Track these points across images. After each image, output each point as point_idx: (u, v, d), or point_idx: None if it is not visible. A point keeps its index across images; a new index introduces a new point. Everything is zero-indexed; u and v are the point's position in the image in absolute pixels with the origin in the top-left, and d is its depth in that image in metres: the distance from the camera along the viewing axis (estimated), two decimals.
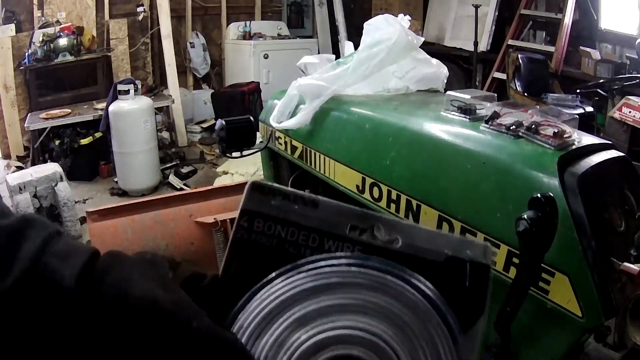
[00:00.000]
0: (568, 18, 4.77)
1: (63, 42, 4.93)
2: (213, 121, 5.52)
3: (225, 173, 4.21)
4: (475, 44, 4.97)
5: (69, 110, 4.78)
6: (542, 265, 0.91)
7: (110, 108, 4.26)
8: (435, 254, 0.39)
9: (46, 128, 4.60)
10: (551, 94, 4.24)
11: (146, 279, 0.38)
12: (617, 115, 3.03)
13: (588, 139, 1.08)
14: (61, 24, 5.08)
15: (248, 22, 6.23)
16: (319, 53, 5.65)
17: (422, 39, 1.60)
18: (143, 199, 3.03)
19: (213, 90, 6.05)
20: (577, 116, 1.21)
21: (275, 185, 0.40)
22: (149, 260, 0.42)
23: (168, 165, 4.79)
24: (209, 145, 5.43)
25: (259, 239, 0.40)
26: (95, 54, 5.29)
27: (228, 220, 2.62)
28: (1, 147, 5.07)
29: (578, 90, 3.80)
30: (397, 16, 1.57)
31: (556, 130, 1.03)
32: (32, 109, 4.86)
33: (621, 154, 1.10)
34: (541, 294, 0.96)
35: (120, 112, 4.24)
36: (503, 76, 5.04)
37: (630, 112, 2.96)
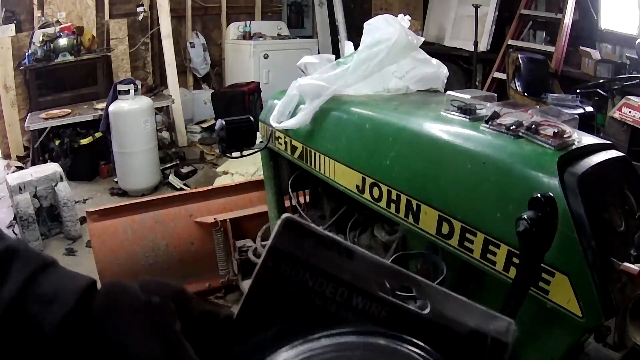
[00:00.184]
0: (568, 18, 4.77)
1: (63, 42, 4.94)
2: (213, 121, 5.53)
3: (225, 173, 4.21)
4: (475, 44, 4.97)
5: (69, 110, 4.78)
6: (542, 265, 0.91)
7: (110, 108, 4.26)
8: (460, 326, 0.37)
9: (46, 128, 4.61)
10: (551, 94, 4.25)
11: (147, 333, 0.34)
12: (617, 115, 3.03)
13: (588, 139, 1.08)
14: (61, 24, 5.09)
15: (248, 22, 6.23)
16: (319, 53, 5.65)
17: (422, 39, 1.60)
18: (143, 199, 3.03)
19: (213, 90, 6.06)
20: (577, 116, 1.21)
21: (312, 225, 0.36)
22: (154, 307, 0.36)
23: (168, 165, 4.79)
24: (209, 145, 5.43)
25: (284, 284, 0.36)
26: (95, 54, 5.29)
27: (228, 220, 2.63)
28: (1, 147, 5.07)
29: (578, 90, 3.80)
30: (397, 16, 1.57)
31: (556, 130, 1.03)
32: (32, 109, 4.87)
33: (621, 154, 1.10)
34: (541, 294, 0.96)
35: (120, 112, 4.24)
36: (503, 76, 5.04)
37: (630, 112, 2.96)
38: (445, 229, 1.15)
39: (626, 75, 3.72)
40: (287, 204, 1.99)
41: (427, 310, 0.36)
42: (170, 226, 2.66)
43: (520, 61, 4.56)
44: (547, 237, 0.85)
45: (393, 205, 1.29)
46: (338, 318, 0.36)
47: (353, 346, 0.34)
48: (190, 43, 6.11)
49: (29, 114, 4.79)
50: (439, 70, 1.63)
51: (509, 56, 4.75)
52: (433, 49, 5.27)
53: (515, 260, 0.99)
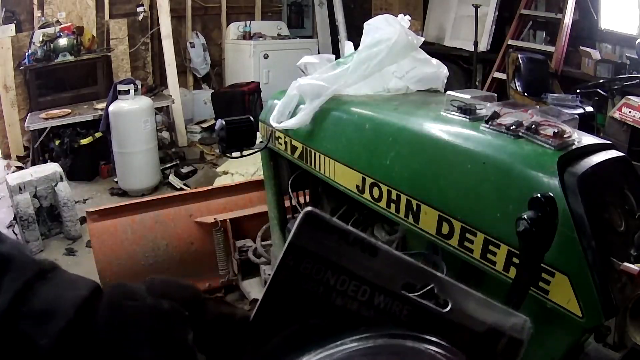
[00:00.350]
0: (568, 18, 4.77)
1: (63, 42, 4.94)
2: (213, 121, 5.53)
3: (225, 173, 4.21)
4: (475, 44, 4.97)
5: (69, 110, 4.79)
6: (542, 265, 0.91)
7: (110, 108, 4.26)
8: (478, 324, 0.37)
9: (46, 128, 4.61)
10: (551, 94, 4.25)
11: (155, 347, 0.30)
12: (617, 115, 3.03)
13: (588, 139, 1.08)
14: (61, 24, 5.09)
15: (248, 22, 6.23)
16: (319, 53, 5.65)
17: (422, 39, 1.59)
18: (143, 199, 3.03)
19: (213, 90, 6.06)
20: (577, 116, 1.20)
21: (335, 220, 0.34)
22: (164, 315, 0.33)
23: (168, 165, 4.79)
24: (209, 145, 5.43)
25: (304, 283, 0.34)
26: (95, 54, 5.30)
27: (228, 220, 2.63)
28: (1, 147, 5.07)
29: (578, 90, 3.80)
30: (397, 16, 1.57)
31: (556, 130, 1.03)
32: (32, 109, 4.87)
33: (621, 154, 1.10)
34: (541, 294, 0.96)
35: (120, 112, 4.24)
36: (503, 76, 5.04)
37: (630, 112, 2.96)
38: (445, 229, 1.15)
39: (626, 75, 3.72)
40: (287, 204, 1.99)
41: (448, 308, 0.36)
42: (170, 226, 2.66)
43: (520, 61, 4.56)
44: (547, 237, 0.85)
45: (393, 205, 1.29)
46: (359, 318, 0.35)
47: (378, 350, 0.33)
48: (190, 43, 6.11)
49: (29, 114, 4.79)
50: (439, 70, 1.63)
51: (509, 56, 4.75)
52: (433, 49, 5.27)
53: (515, 260, 0.99)
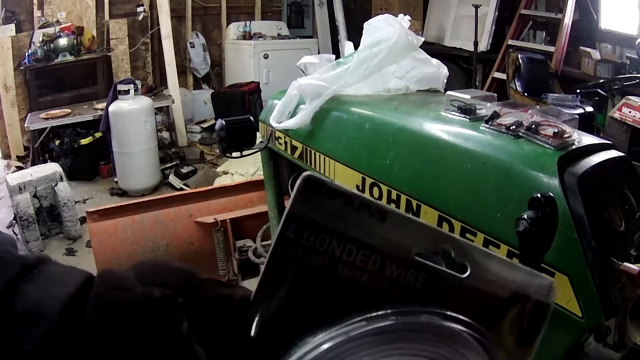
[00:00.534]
0: (568, 18, 4.77)
1: (63, 42, 4.94)
2: (213, 121, 5.53)
3: (225, 173, 4.21)
4: (475, 44, 4.97)
5: (69, 110, 4.79)
6: (542, 265, 0.91)
7: (110, 108, 4.26)
8: (501, 289, 0.34)
9: (46, 128, 4.61)
10: (551, 94, 4.25)
11: (147, 340, 0.29)
12: (617, 115, 3.03)
13: (588, 139, 1.08)
14: (61, 24, 5.09)
15: (248, 22, 6.23)
16: (319, 53, 5.65)
17: (422, 39, 1.59)
18: (143, 199, 3.03)
19: (213, 90, 6.06)
20: (577, 116, 1.20)
21: (336, 183, 0.31)
22: (155, 304, 0.30)
23: (168, 165, 4.79)
24: (209, 145, 5.43)
25: (307, 256, 0.31)
26: (95, 54, 5.30)
27: (228, 220, 2.62)
28: (1, 147, 5.07)
29: (578, 90, 3.80)
30: (397, 16, 1.57)
31: (556, 130, 1.03)
32: (32, 109, 4.87)
33: (621, 154, 1.10)
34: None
35: (120, 112, 4.24)
36: (503, 76, 5.04)
37: (630, 112, 2.96)
38: (445, 229, 1.15)
39: (626, 75, 3.72)
40: (287, 204, 1.99)
41: (467, 273, 0.33)
42: (170, 226, 2.66)
43: (520, 61, 4.56)
44: (547, 237, 0.85)
45: (393, 205, 1.29)
46: (370, 290, 0.32)
47: (392, 327, 0.30)
48: (190, 43, 6.11)
49: (29, 114, 4.79)
50: (439, 70, 1.63)
51: (509, 56, 4.75)
52: (433, 49, 5.26)
53: (516, 260, 0.99)
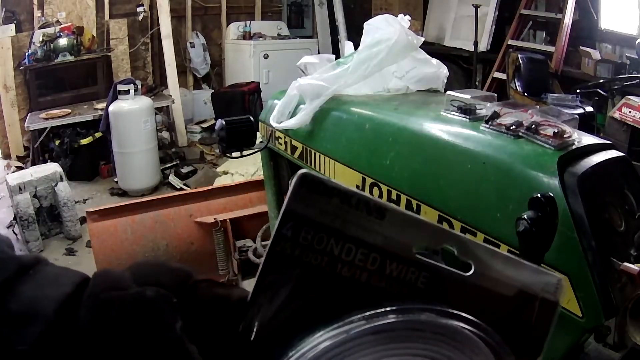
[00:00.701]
0: (568, 18, 4.77)
1: (63, 42, 4.94)
2: (213, 121, 5.53)
3: (225, 173, 4.21)
4: (475, 44, 4.97)
5: (69, 110, 4.79)
6: (542, 265, 0.91)
7: (110, 108, 4.26)
8: (507, 287, 0.33)
9: (46, 128, 4.61)
10: (551, 94, 4.25)
11: (140, 340, 0.29)
12: (617, 115, 3.03)
13: (588, 139, 1.08)
14: (61, 24, 5.09)
15: (248, 22, 6.23)
16: (319, 53, 5.65)
17: (422, 39, 1.59)
18: (143, 199, 3.03)
19: (213, 90, 6.06)
20: (577, 116, 1.20)
21: (333, 181, 0.30)
22: (149, 303, 0.30)
23: (168, 165, 4.79)
24: (209, 145, 5.43)
25: (305, 255, 0.30)
26: (95, 54, 5.30)
27: (228, 220, 2.63)
28: (1, 147, 5.07)
29: (578, 90, 3.80)
30: (397, 16, 1.57)
31: (556, 130, 1.03)
32: (32, 109, 4.87)
33: (621, 154, 1.10)
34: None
35: (120, 112, 4.24)
36: (503, 76, 5.04)
37: (630, 112, 2.96)
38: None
39: (626, 75, 3.72)
40: None
41: (471, 272, 0.32)
42: (170, 226, 2.66)
43: (520, 61, 4.56)
44: (547, 237, 0.85)
45: None
46: (370, 289, 0.31)
47: (392, 325, 0.30)
48: (190, 43, 6.11)
49: (29, 114, 4.79)
50: (439, 70, 1.63)
51: (509, 56, 4.75)
52: (433, 49, 5.27)
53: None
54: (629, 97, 3.03)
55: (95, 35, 5.37)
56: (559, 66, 4.84)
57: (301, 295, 0.31)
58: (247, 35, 6.14)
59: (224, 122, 1.70)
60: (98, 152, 4.71)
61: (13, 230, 3.66)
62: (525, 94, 4.46)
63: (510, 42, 5.27)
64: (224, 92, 5.76)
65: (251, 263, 2.51)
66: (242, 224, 2.66)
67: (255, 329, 0.31)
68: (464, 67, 5.58)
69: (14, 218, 3.59)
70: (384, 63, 1.50)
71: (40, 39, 4.87)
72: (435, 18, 6.14)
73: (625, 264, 0.90)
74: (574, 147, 1.02)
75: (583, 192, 0.94)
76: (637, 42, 3.92)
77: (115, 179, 4.55)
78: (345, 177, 1.47)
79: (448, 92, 1.34)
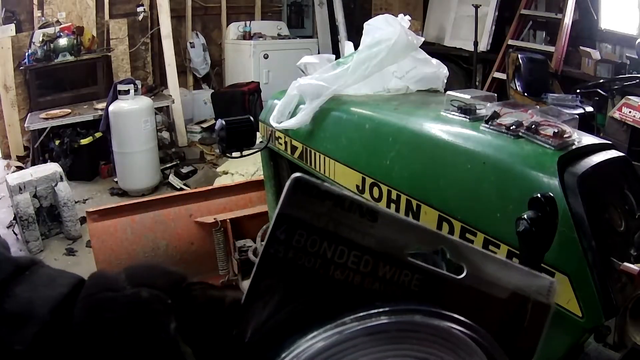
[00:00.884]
0: (568, 18, 4.77)
1: (63, 42, 4.94)
2: (213, 121, 5.53)
3: (225, 173, 4.21)
4: (475, 44, 4.97)
5: (69, 110, 4.79)
6: (542, 265, 0.91)
7: (110, 108, 4.26)
8: (499, 289, 0.33)
9: (46, 128, 4.61)
10: (551, 94, 4.25)
11: (135, 340, 0.29)
12: (617, 115, 3.03)
13: (588, 139, 1.08)
14: (61, 24, 5.09)
15: (248, 22, 6.23)
16: (319, 53, 5.65)
17: (422, 39, 1.59)
18: (143, 199, 3.03)
19: (213, 90, 6.06)
20: (577, 116, 1.20)
21: (326, 185, 0.31)
22: (143, 304, 0.30)
23: (168, 165, 4.79)
24: (209, 145, 5.43)
25: (298, 257, 0.31)
26: (95, 54, 5.30)
27: (228, 220, 2.63)
28: (1, 147, 5.08)
29: (578, 90, 3.80)
30: (397, 16, 1.57)
31: (556, 130, 1.03)
32: (32, 109, 4.87)
33: (621, 154, 1.10)
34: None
35: (120, 112, 4.24)
36: (503, 76, 5.04)
37: (630, 112, 2.96)
38: (445, 229, 1.15)
39: (626, 75, 3.72)
40: None
41: (464, 274, 0.33)
42: (170, 226, 2.66)
43: (520, 61, 4.56)
44: (547, 237, 0.85)
45: (393, 205, 1.29)
46: (364, 292, 0.32)
47: (385, 327, 0.30)
48: (190, 43, 6.11)
49: (29, 114, 4.79)
50: (439, 70, 1.63)
51: (509, 56, 4.75)
52: (433, 49, 5.27)
53: (516, 260, 0.99)
54: (629, 97, 3.03)
55: (95, 35, 5.37)
56: (559, 66, 4.84)
57: (295, 297, 0.31)
58: (247, 35, 6.14)
59: (224, 122, 1.70)
60: (98, 152, 4.71)
61: (13, 230, 3.66)
62: (525, 94, 4.46)
63: (510, 42, 5.27)
64: (224, 92, 5.76)
65: (251, 263, 2.51)
66: (242, 224, 2.66)
67: (249, 331, 0.31)
68: (464, 67, 5.58)
69: (14, 218, 3.59)
70: (384, 63, 1.50)
71: (40, 39, 4.86)
72: (435, 18, 6.14)
73: (625, 264, 0.90)
74: (574, 147, 1.02)
75: (583, 192, 0.94)
76: (637, 42, 3.92)
77: (115, 179, 4.55)
78: (345, 177, 1.47)
79: (448, 92, 1.34)
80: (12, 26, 4.77)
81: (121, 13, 5.58)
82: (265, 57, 5.94)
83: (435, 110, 1.31)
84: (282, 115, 1.61)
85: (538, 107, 1.21)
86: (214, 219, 2.62)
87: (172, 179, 4.55)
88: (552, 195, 0.85)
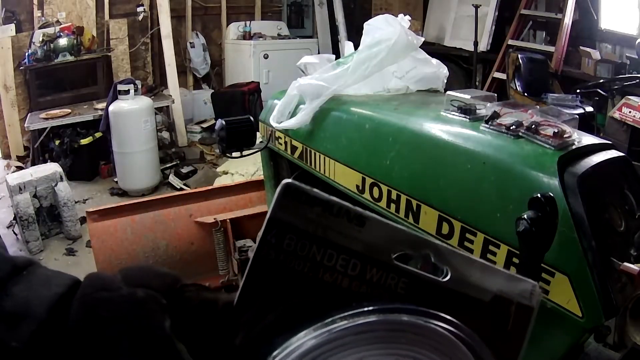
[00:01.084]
0: (568, 18, 4.77)
1: (63, 42, 4.94)
2: (213, 121, 5.53)
3: (225, 173, 4.21)
4: (475, 44, 4.97)
5: (69, 110, 4.79)
6: (542, 265, 0.91)
7: (110, 108, 4.26)
8: (483, 292, 0.34)
9: (46, 128, 4.61)
10: (551, 94, 4.25)
11: (130, 338, 0.29)
12: (617, 115, 3.03)
13: (588, 139, 1.08)
14: (61, 24, 5.09)
15: (248, 22, 6.23)
16: (319, 53, 5.65)
17: (422, 39, 1.59)
18: (143, 199, 3.03)
19: (213, 90, 6.06)
20: (577, 116, 1.20)
21: (316, 191, 0.32)
22: (138, 303, 0.31)
23: (168, 165, 4.79)
24: (209, 145, 5.43)
25: (288, 261, 0.32)
26: (95, 54, 5.30)
27: (228, 220, 2.62)
28: (1, 147, 5.08)
29: (578, 90, 3.80)
30: (397, 16, 1.57)
31: (556, 130, 1.03)
32: (32, 109, 4.87)
33: (621, 154, 1.10)
34: (541, 294, 0.96)
35: (120, 112, 4.24)
36: (503, 76, 5.04)
37: (630, 112, 2.96)
38: (445, 229, 1.15)
39: (626, 75, 3.72)
40: None
41: (448, 277, 0.34)
42: (170, 226, 2.66)
43: (520, 61, 4.56)
44: (547, 237, 0.85)
45: (393, 205, 1.29)
46: (352, 294, 0.33)
47: (373, 326, 0.31)
48: (190, 43, 6.11)
49: (29, 114, 4.79)
50: (439, 70, 1.63)
51: (509, 56, 4.75)
52: (433, 49, 5.27)
53: (515, 260, 0.99)
54: (629, 97, 3.03)
55: (95, 35, 5.37)
56: (559, 66, 4.84)
57: (285, 299, 0.32)
58: (247, 35, 6.14)
59: (224, 122, 1.70)
60: (98, 152, 4.71)
61: (13, 230, 3.66)
62: (525, 94, 4.46)
63: (510, 42, 5.27)
64: (224, 92, 5.76)
65: None
66: (242, 224, 2.66)
67: (241, 332, 0.32)
68: (464, 67, 5.58)
69: (14, 218, 3.59)
70: (384, 63, 1.50)
71: (40, 39, 4.86)
72: (435, 18, 6.14)
73: (625, 264, 0.90)
74: (574, 147, 1.02)
75: (583, 192, 0.94)
76: (637, 42, 3.92)
77: (115, 179, 4.55)
78: (345, 177, 1.47)
79: (448, 92, 1.34)
80: (12, 26, 4.77)
81: (121, 13, 5.58)
82: (265, 57, 5.94)
83: (435, 110, 1.31)
84: (282, 115, 1.61)
85: (538, 107, 1.21)
86: (214, 219, 2.62)
87: (172, 179, 4.56)
88: (552, 195, 0.85)
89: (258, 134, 1.84)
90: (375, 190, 1.35)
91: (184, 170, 4.62)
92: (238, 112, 4.99)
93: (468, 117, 1.20)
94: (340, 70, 1.50)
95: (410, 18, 1.60)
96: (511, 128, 1.08)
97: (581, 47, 4.81)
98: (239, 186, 2.93)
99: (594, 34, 4.86)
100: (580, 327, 0.92)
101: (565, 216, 0.91)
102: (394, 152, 1.30)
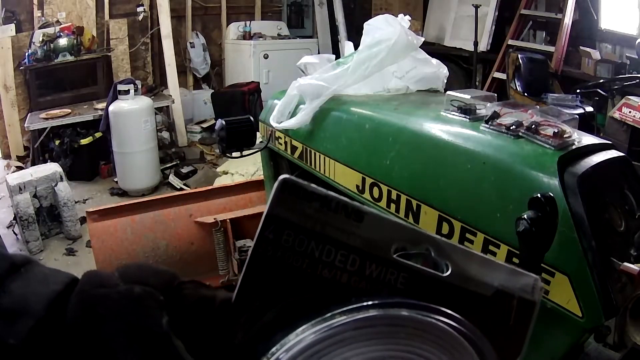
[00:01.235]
0: (568, 18, 4.77)
1: (63, 42, 4.94)
2: (213, 121, 5.53)
3: (225, 173, 4.21)
4: (475, 44, 4.97)
5: (69, 110, 4.79)
6: (542, 265, 0.91)
7: (110, 108, 4.27)
8: (484, 287, 0.34)
9: (46, 128, 4.61)
10: (551, 94, 4.25)
11: (127, 334, 0.29)
12: (617, 115, 3.03)
13: (588, 139, 1.08)
14: (61, 24, 5.09)
15: (248, 22, 6.23)
16: (319, 53, 5.65)
17: (422, 39, 1.59)
18: (143, 199, 3.03)
19: (213, 90, 6.06)
20: (577, 116, 1.20)
21: (314, 186, 0.32)
22: (136, 300, 0.31)
23: (168, 165, 4.79)
24: (209, 145, 5.43)
25: (286, 257, 0.31)
26: (95, 54, 5.30)
27: (228, 220, 2.62)
28: (1, 147, 5.08)
29: (578, 90, 3.80)
30: (397, 16, 1.57)
31: (556, 130, 1.03)
32: (32, 109, 4.87)
33: (621, 154, 1.10)
34: (541, 294, 0.96)
35: (120, 112, 4.24)
36: (503, 76, 5.04)
37: (630, 112, 2.96)
38: (445, 229, 1.15)
39: (626, 75, 3.72)
40: None
41: (448, 272, 0.34)
42: (170, 226, 2.66)
43: (520, 61, 4.56)
44: (547, 237, 0.85)
45: (393, 205, 1.29)
46: (351, 290, 0.32)
47: (373, 321, 0.30)
48: (190, 43, 6.11)
49: (29, 114, 4.79)
50: (439, 70, 1.63)
51: (509, 56, 4.75)
52: (433, 49, 5.27)
53: (516, 260, 0.99)
54: (629, 97, 3.03)
55: (95, 35, 5.37)
56: (559, 66, 4.84)
57: (283, 295, 0.32)
58: (247, 35, 6.14)
59: (224, 122, 1.70)
60: (98, 152, 4.71)
61: (13, 230, 3.66)
62: (525, 94, 4.46)
63: (510, 42, 5.27)
64: (224, 92, 5.76)
65: None
66: (242, 224, 2.66)
67: (239, 330, 0.32)
68: (464, 67, 5.58)
69: (14, 218, 3.59)
70: (384, 63, 1.50)
71: (40, 39, 4.86)
72: (435, 18, 6.14)
73: (625, 264, 0.90)
74: (574, 147, 1.02)
75: (583, 192, 0.94)
76: (637, 42, 3.92)
77: (115, 179, 4.55)
78: (345, 177, 1.47)
79: (448, 92, 1.34)
80: (12, 26, 4.77)
81: (121, 13, 5.58)
82: (265, 57, 5.94)
83: (435, 110, 1.31)
84: (282, 115, 1.61)
85: (538, 107, 1.21)
86: (214, 219, 2.62)
87: (172, 179, 4.56)
88: (552, 195, 0.85)
89: (258, 134, 1.84)
90: (375, 190, 1.35)
91: (184, 170, 4.62)
92: (238, 112, 4.99)
93: (468, 117, 1.20)
94: (340, 70, 1.50)
95: (410, 18, 1.60)
96: (511, 128, 1.08)
97: (581, 47, 4.81)
98: (239, 186, 2.92)
99: (594, 34, 4.86)
100: (580, 327, 0.92)
101: (565, 216, 0.91)
102: (394, 152, 1.30)
